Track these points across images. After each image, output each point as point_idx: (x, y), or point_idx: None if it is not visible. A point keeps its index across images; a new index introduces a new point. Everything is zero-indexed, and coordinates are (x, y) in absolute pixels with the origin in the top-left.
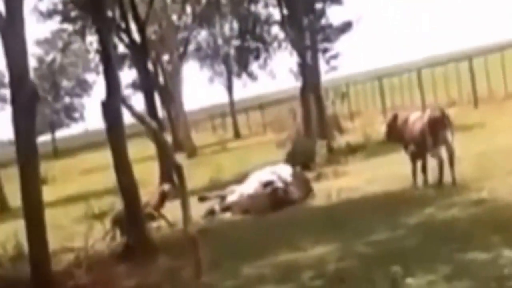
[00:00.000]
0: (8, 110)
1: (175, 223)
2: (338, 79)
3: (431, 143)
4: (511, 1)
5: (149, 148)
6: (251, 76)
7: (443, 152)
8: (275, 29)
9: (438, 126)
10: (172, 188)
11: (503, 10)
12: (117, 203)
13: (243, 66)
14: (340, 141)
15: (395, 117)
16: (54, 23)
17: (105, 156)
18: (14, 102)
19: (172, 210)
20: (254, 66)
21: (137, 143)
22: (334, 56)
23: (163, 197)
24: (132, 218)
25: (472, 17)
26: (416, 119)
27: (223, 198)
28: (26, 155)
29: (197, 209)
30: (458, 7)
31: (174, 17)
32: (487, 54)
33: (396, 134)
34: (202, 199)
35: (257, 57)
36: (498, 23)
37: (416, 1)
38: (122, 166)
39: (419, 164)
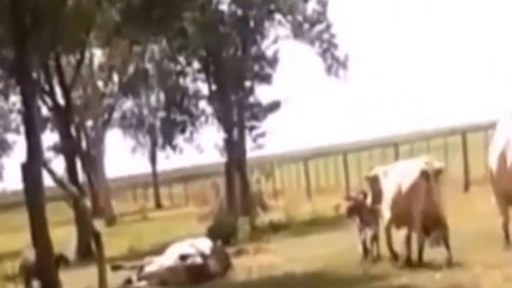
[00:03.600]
0: None
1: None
2: (264, 157)
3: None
4: (438, 91)
5: (68, 212)
6: (176, 149)
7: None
8: (203, 103)
9: (363, 208)
10: (66, 257)
11: (430, 99)
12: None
13: (168, 139)
14: (263, 218)
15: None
16: None
17: (23, 218)
18: None
19: (86, 277)
20: (179, 139)
21: (55, 206)
22: (261, 135)
23: (56, 263)
24: (46, 281)
25: (400, 104)
26: None
27: (141, 268)
28: None
29: (110, 278)
30: (387, 93)
31: (100, 84)
32: (414, 141)
33: None
34: (115, 268)
35: (183, 131)
36: (425, 113)
37: (345, 86)
38: (39, 228)
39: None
